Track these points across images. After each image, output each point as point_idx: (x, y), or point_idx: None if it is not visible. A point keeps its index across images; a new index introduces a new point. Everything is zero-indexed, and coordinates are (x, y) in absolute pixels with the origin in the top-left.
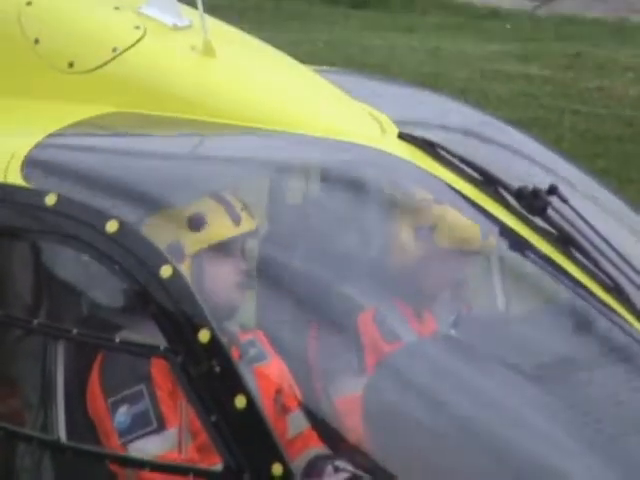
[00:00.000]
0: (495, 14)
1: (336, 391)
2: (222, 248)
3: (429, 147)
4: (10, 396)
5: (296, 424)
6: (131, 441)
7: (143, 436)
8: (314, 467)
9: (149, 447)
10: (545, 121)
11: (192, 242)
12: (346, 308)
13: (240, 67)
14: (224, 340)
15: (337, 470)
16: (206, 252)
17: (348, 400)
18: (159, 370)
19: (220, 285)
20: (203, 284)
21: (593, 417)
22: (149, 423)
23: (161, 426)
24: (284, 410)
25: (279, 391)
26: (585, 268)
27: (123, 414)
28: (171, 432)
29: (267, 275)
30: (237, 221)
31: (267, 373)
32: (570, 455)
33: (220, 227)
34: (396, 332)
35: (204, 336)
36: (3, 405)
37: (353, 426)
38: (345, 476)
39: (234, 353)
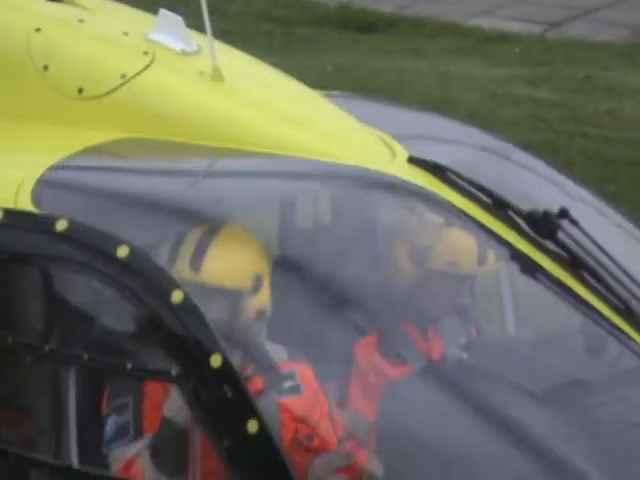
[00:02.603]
0: (504, 38)
1: (345, 412)
2: (234, 274)
3: (439, 171)
4: (22, 421)
5: (320, 466)
6: (111, 450)
7: (120, 446)
8: None
9: (122, 454)
10: (555, 144)
11: (211, 263)
12: (349, 331)
13: (249, 92)
14: (237, 365)
15: None
16: (218, 276)
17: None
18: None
19: (233, 310)
20: (215, 307)
21: (605, 440)
22: (126, 433)
23: (136, 436)
24: (304, 444)
25: (301, 428)
26: (596, 291)
27: (111, 424)
28: (141, 441)
29: (278, 302)
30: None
31: (294, 408)
32: (579, 476)
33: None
34: (403, 355)
35: (216, 361)
36: (15, 430)
37: (367, 448)
38: None
39: (260, 382)
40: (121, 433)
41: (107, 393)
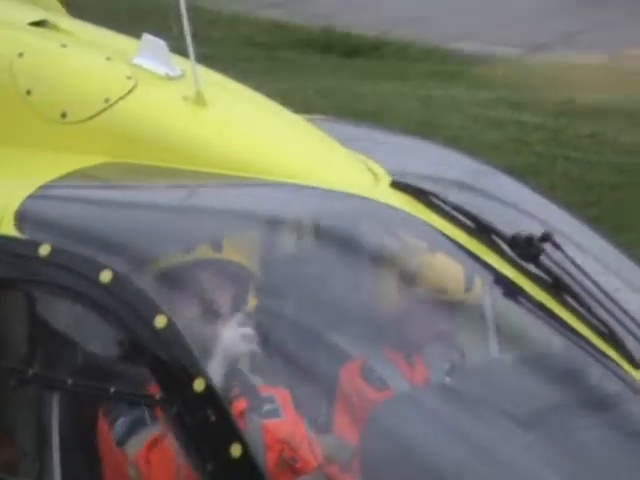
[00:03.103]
0: (486, 61)
1: (328, 435)
2: (219, 299)
3: (422, 195)
4: (6, 447)
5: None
6: (127, 442)
7: (137, 433)
8: None
9: (141, 437)
10: (537, 168)
11: (196, 287)
12: (335, 358)
13: (232, 117)
14: (221, 389)
15: None
16: (203, 301)
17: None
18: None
19: (217, 335)
20: (199, 332)
21: (587, 464)
22: (144, 424)
23: (153, 421)
24: (283, 461)
25: (286, 449)
26: (579, 315)
27: (120, 425)
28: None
29: (262, 326)
30: (236, 273)
31: (276, 430)
32: None
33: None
34: (386, 380)
35: (199, 385)
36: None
37: (350, 472)
38: None
39: (242, 404)
40: (137, 426)
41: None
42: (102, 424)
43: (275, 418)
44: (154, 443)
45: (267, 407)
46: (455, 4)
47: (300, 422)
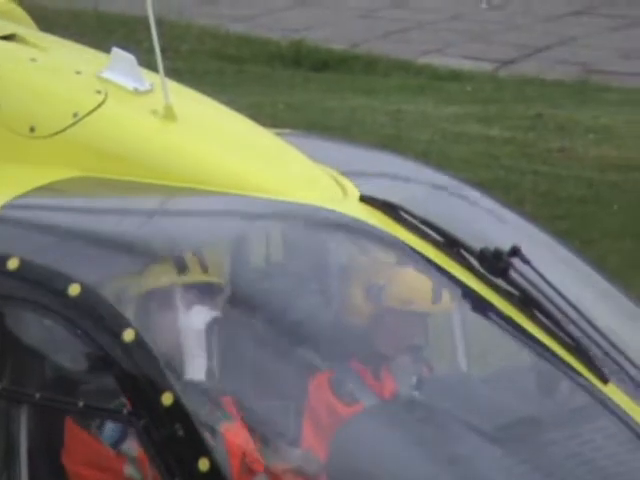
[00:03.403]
0: (456, 76)
1: (297, 449)
2: (187, 313)
3: (391, 209)
4: None
5: None
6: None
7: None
8: None
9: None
10: (506, 182)
11: (163, 300)
12: (303, 371)
13: (201, 131)
14: (189, 403)
15: None
16: (176, 313)
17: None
18: None
19: (185, 348)
20: (166, 346)
21: (557, 477)
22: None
23: None
24: (250, 472)
25: (244, 453)
26: (547, 328)
27: (110, 430)
28: None
29: (230, 338)
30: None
31: (232, 436)
32: None
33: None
34: (355, 394)
35: (167, 399)
36: None
37: None
38: None
39: (199, 417)
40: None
41: (82, 423)
42: (78, 432)
43: (228, 422)
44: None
45: (219, 413)
46: (425, 19)
47: (250, 427)
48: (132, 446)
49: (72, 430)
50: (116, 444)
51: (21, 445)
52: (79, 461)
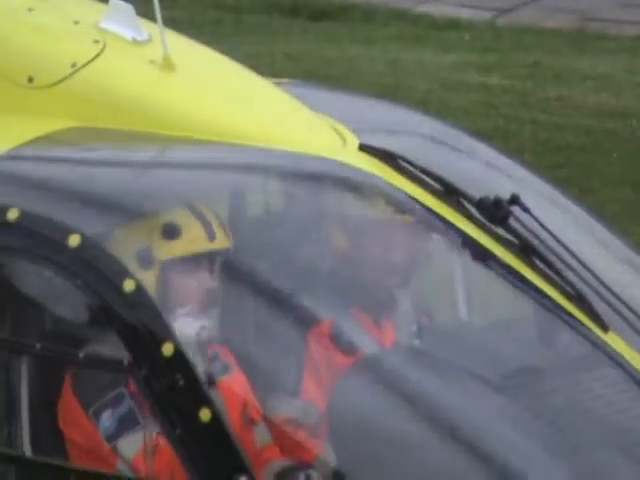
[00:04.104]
0: (454, 25)
1: (297, 400)
2: (194, 261)
3: (390, 158)
4: None
5: (262, 436)
6: (119, 441)
7: (130, 433)
8: (284, 478)
9: (136, 440)
10: (505, 131)
11: (164, 250)
12: (304, 321)
13: (200, 81)
14: (188, 353)
15: (309, 478)
16: (176, 262)
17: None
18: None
19: (186, 297)
20: (170, 295)
21: (558, 425)
22: (136, 422)
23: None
24: (250, 422)
25: (244, 403)
26: (547, 277)
27: (108, 419)
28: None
29: (230, 289)
30: (212, 236)
31: (232, 386)
32: (534, 463)
33: (195, 240)
34: (355, 343)
35: (167, 350)
36: None
37: (318, 436)
38: None
39: (200, 367)
40: (126, 424)
41: (80, 395)
42: (76, 409)
43: (228, 374)
44: (154, 449)
45: (218, 364)
46: None
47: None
48: (128, 445)
49: (70, 401)
50: (111, 438)
51: (22, 397)
52: (73, 431)
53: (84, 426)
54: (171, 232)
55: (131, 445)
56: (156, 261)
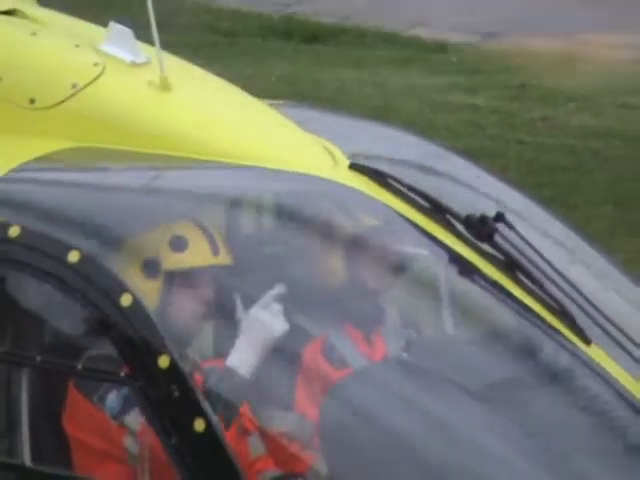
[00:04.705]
0: (442, 48)
1: (291, 414)
2: (197, 274)
3: (379, 177)
4: None
5: (255, 446)
6: (125, 415)
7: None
8: None
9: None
10: (491, 150)
11: (171, 261)
12: (297, 337)
13: (196, 102)
14: (186, 366)
15: None
16: (181, 274)
17: (302, 422)
18: None
19: (187, 311)
20: (171, 305)
21: (540, 435)
22: None
23: None
24: (244, 433)
25: (239, 415)
26: (531, 292)
27: (113, 400)
28: None
29: (226, 304)
30: (216, 251)
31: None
32: (516, 472)
33: (199, 254)
34: (346, 358)
35: (164, 362)
36: None
37: (310, 448)
38: None
39: (196, 379)
40: (131, 400)
41: (83, 388)
42: (80, 399)
43: None
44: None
45: (214, 378)
46: None
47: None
48: (133, 419)
49: (74, 396)
50: (117, 416)
51: (22, 408)
52: (79, 427)
53: (92, 413)
54: (178, 244)
55: (136, 418)
56: (161, 271)
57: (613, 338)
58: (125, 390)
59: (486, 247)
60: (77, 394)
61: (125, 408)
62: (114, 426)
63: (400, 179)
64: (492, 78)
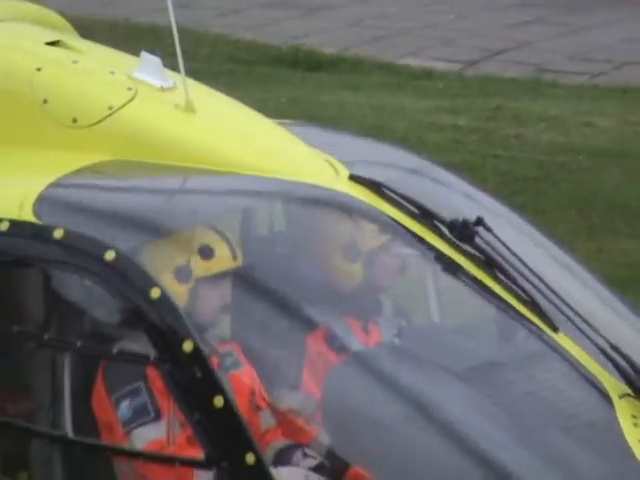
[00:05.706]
0: (429, 75)
1: (297, 392)
2: (220, 277)
3: (376, 187)
4: (26, 399)
5: (266, 420)
6: (132, 429)
7: (143, 424)
8: (284, 455)
9: (147, 434)
10: (472, 164)
11: (200, 268)
12: (301, 326)
13: (217, 121)
14: (205, 350)
15: (306, 456)
16: (208, 278)
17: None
18: (153, 371)
19: (210, 306)
20: (197, 304)
21: (515, 412)
22: (147, 414)
23: (157, 416)
24: (256, 408)
25: (252, 393)
26: (507, 286)
27: (125, 407)
28: (165, 421)
29: (244, 299)
30: (235, 256)
31: (241, 378)
32: (496, 444)
33: (223, 259)
34: (346, 345)
35: (188, 346)
36: (20, 406)
37: (314, 422)
38: (313, 461)
39: (214, 362)
40: (140, 414)
41: (107, 383)
42: (99, 378)
43: (238, 369)
44: (159, 448)
45: (230, 360)
46: (403, 27)
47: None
48: (139, 439)
49: (99, 389)
50: (126, 424)
51: (65, 386)
52: (100, 412)
53: (107, 410)
54: (206, 252)
55: (142, 438)
56: (192, 277)
57: (577, 325)
58: (137, 401)
59: (468, 248)
60: (102, 387)
61: (133, 420)
62: (121, 432)
63: (393, 189)
64: (472, 101)
